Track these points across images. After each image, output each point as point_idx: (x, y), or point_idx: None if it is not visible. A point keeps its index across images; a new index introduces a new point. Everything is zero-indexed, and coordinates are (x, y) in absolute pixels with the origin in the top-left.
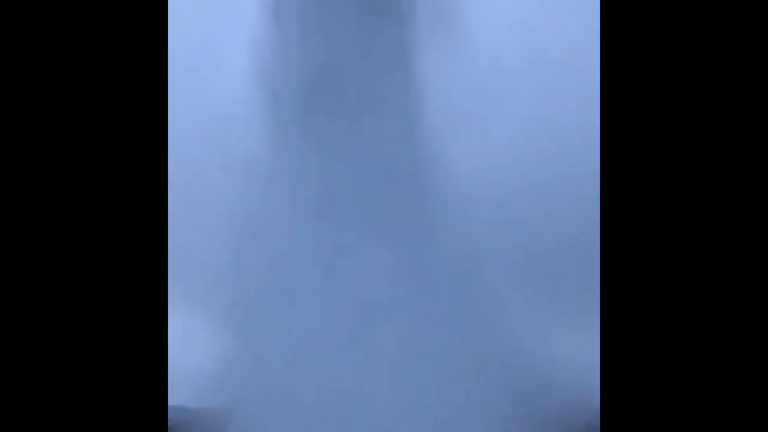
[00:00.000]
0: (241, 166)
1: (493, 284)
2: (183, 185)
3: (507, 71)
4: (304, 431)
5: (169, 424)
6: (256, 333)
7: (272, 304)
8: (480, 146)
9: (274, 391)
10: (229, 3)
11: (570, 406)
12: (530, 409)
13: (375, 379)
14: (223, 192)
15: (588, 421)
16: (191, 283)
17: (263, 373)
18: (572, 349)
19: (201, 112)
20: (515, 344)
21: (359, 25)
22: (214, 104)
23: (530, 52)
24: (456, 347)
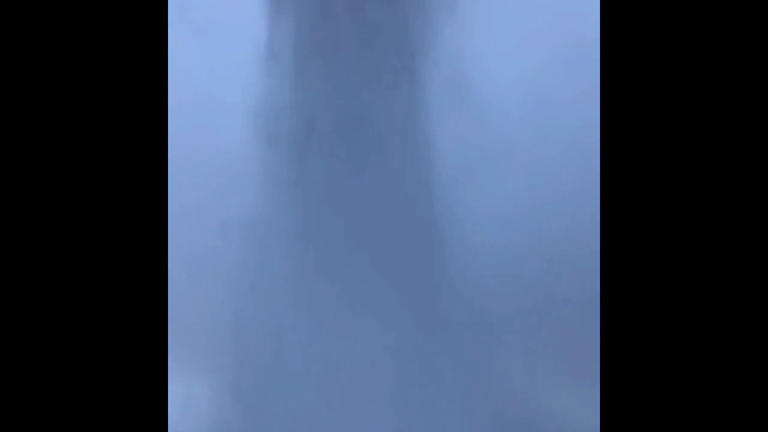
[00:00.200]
0: (239, 224)
1: (508, 348)
2: (181, 246)
3: (514, 121)
4: None
5: None
6: (258, 398)
7: (274, 367)
8: (492, 195)
9: None
10: (227, 49)
11: None
12: None
13: None
14: (222, 252)
15: None
16: (191, 346)
17: None
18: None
19: (197, 168)
20: (528, 413)
21: (365, 74)
22: (211, 159)
23: (535, 103)
24: (467, 411)
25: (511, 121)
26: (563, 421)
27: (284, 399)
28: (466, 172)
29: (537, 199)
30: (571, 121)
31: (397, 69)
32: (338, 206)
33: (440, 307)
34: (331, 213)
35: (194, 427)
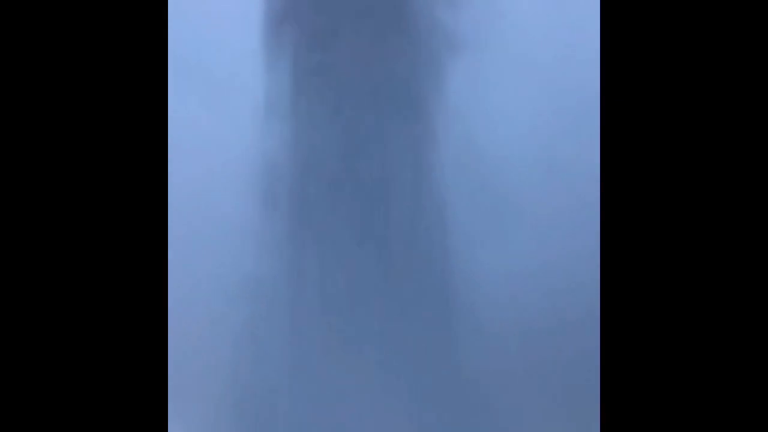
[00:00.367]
0: (240, 285)
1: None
2: (182, 307)
3: (518, 178)
4: None
5: None
6: None
7: (271, 428)
8: (500, 253)
9: None
10: (226, 107)
11: None
12: None
13: None
14: (223, 313)
15: None
16: (191, 406)
17: None
18: None
19: (198, 229)
20: None
21: (370, 128)
22: (211, 220)
23: (536, 153)
24: None
25: (516, 178)
26: None
27: None
28: (475, 230)
29: (542, 256)
30: (572, 176)
31: (404, 122)
32: (342, 266)
33: (450, 370)
34: (335, 272)
35: None
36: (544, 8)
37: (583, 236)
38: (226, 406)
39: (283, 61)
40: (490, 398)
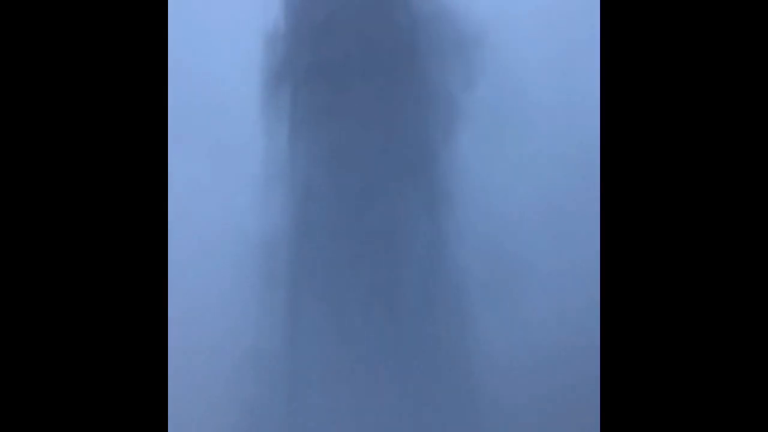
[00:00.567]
0: (242, 358)
1: None
2: (184, 386)
3: (525, 239)
4: None
5: None
6: None
7: None
8: (509, 312)
9: None
10: (226, 176)
11: None
12: None
13: None
14: (223, 387)
15: None
16: None
17: None
18: None
19: (195, 303)
20: None
21: (375, 196)
22: (211, 294)
23: (535, 214)
24: None
25: (523, 239)
26: None
27: None
28: (487, 294)
29: (549, 314)
30: (573, 237)
31: (411, 184)
32: (348, 335)
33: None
34: (340, 342)
35: None
36: (545, 71)
37: (583, 297)
38: None
39: (281, 123)
40: None
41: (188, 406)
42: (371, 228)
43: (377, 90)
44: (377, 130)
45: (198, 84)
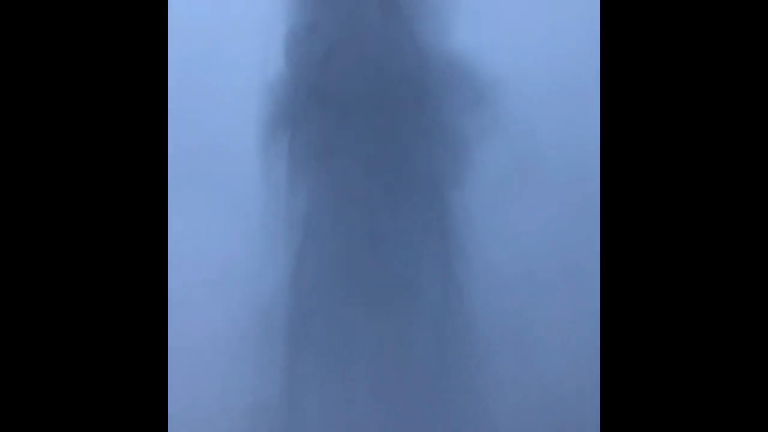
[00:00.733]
0: (239, 415)
1: None
2: None
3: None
4: None
5: None
6: None
7: None
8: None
9: None
10: (228, 234)
11: None
12: None
13: None
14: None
15: None
16: None
17: None
18: None
19: (196, 357)
20: None
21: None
22: (211, 350)
23: (549, 266)
24: None
25: (536, 292)
26: None
27: None
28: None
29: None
30: (569, 311)
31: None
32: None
33: None
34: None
35: None
36: (559, 119)
37: (579, 369)
38: None
39: (280, 165)
40: None
41: None
42: (377, 278)
43: (383, 128)
44: (383, 171)
45: (197, 126)
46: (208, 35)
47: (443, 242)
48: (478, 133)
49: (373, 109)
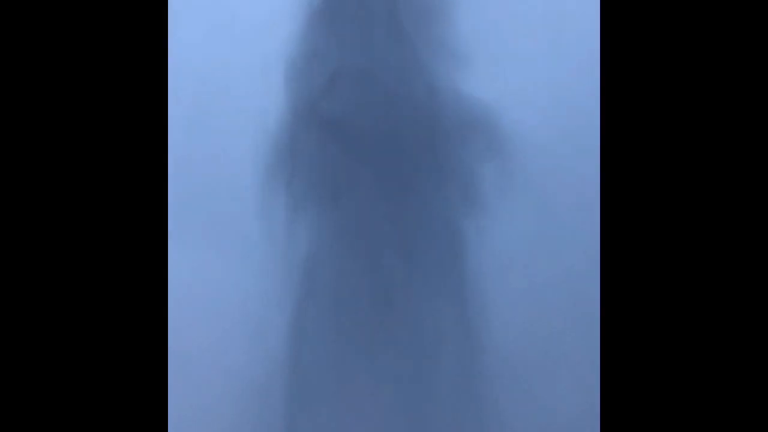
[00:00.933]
0: None
1: None
2: None
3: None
4: None
5: None
6: None
7: None
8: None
9: None
10: (239, 267)
11: None
12: None
13: None
14: None
15: None
16: None
17: None
18: None
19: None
20: None
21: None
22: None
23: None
24: None
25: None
26: None
27: None
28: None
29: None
30: (571, 364)
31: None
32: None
33: None
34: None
35: None
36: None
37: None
38: None
39: (279, 206)
40: None
41: None
42: (386, 334)
43: (392, 169)
44: (394, 219)
45: (197, 169)
46: (209, 71)
47: (461, 291)
48: (494, 184)
49: (380, 146)
